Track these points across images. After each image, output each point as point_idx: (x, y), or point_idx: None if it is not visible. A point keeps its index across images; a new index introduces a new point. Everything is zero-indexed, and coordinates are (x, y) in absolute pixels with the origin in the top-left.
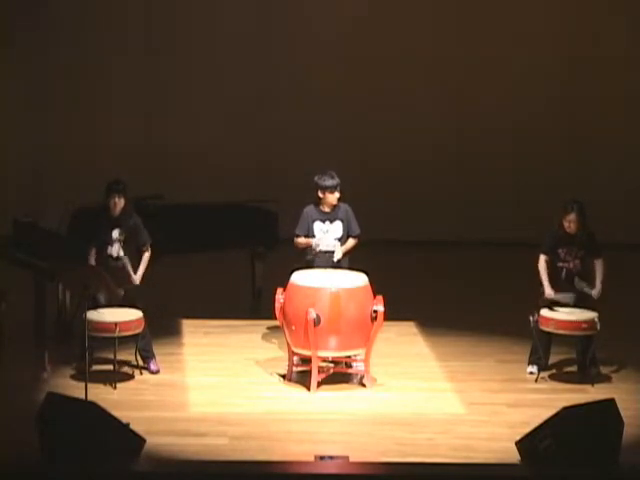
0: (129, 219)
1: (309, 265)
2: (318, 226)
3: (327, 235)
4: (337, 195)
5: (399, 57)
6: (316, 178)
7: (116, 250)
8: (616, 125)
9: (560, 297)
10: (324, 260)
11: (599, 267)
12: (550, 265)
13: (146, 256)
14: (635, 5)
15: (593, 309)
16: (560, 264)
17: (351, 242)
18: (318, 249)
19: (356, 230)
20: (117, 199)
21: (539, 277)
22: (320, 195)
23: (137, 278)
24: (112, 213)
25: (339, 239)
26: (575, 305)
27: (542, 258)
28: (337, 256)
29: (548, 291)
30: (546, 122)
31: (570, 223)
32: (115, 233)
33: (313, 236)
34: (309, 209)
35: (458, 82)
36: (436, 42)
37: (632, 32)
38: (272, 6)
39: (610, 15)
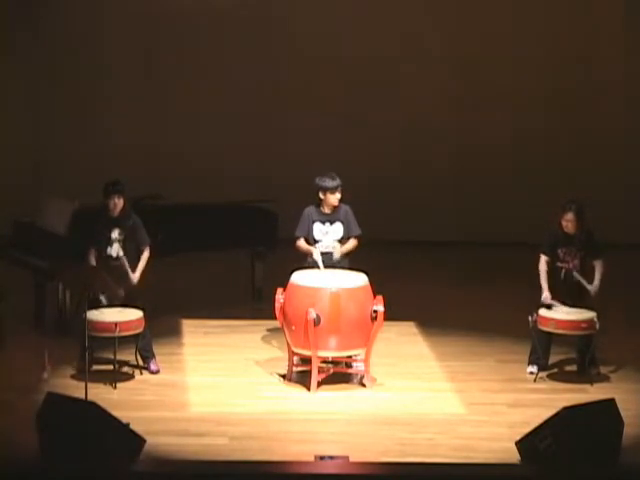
0: (128, 219)
1: (309, 266)
2: (318, 227)
3: (327, 236)
4: (338, 196)
5: (400, 58)
6: (317, 179)
7: (115, 250)
8: (616, 125)
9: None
10: (324, 261)
11: (598, 267)
12: (550, 265)
13: (145, 256)
14: (635, 5)
15: (591, 308)
16: (559, 264)
17: (351, 242)
18: (316, 257)
19: (356, 231)
20: (116, 200)
21: (539, 279)
22: (321, 196)
23: (135, 277)
24: (111, 213)
25: (339, 240)
26: (574, 305)
27: (543, 259)
28: (335, 255)
29: (545, 295)
30: (546, 122)
31: (568, 223)
32: (114, 233)
33: (313, 237)
34: (309, 210)
35: (459, 83)
36: (437, 43)
37: (632, 32)
38: (273, 6)
39: (610, 15)
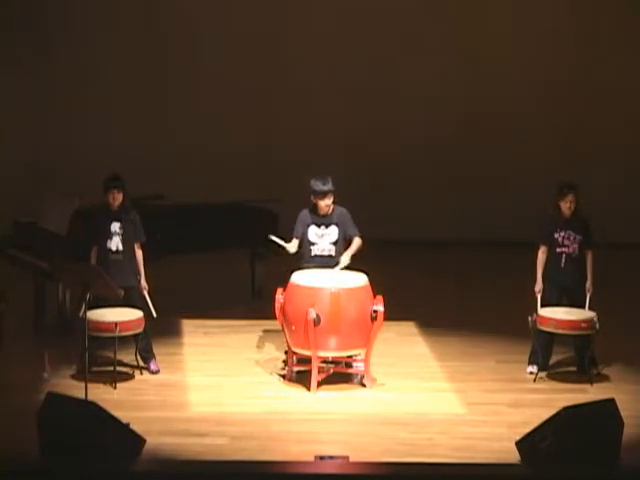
0: (129, 213)
1: (308, 266)
2: (313, 230)
3: (322, 239)
4: (328, 202)
5: (400, 57)
6: (311, 182)
7: (115, 244)
8: (616, 125)
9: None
10: (321, 264)
11: (590, 260)
12: (549, 253)
13: (140, 255)
14: (635, 4)
15: (589, 302)
16: (559, 249)
17: (356, 243)
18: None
19: (354, 232)
20: (116, 194)
21: (535, 270)
22: (313, 200)
23: (144, 282)
24: (111, 208)
25: (334, 243)
26: (572, 305)
27: (541, 250)
28: (344, 263)
29: (537, 287)
30: (546, 122)
31: (570, 204)
32: (114, 227)
33: (308, 240)
34: (304, 213)
35: (458, 83)
36: (436, 42)
37: (632, 31)
38: (274, 5)
39: (610, 14)
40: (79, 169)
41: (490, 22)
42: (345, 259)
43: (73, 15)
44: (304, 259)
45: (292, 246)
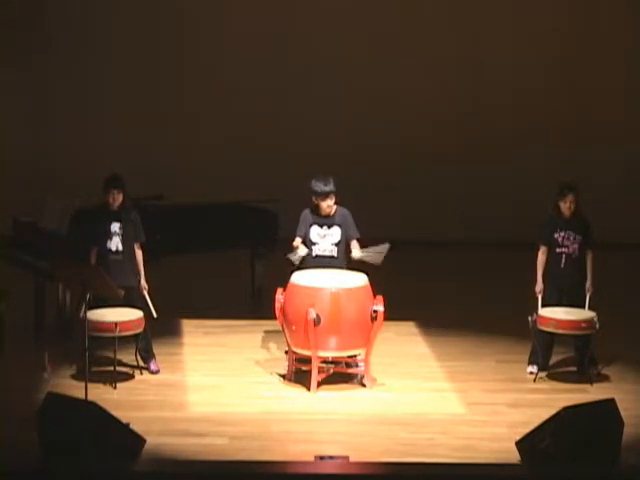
0: (129, 213)
1: (306, 265)
2: (315, 230)
3: (324, 240)
4: (329, 202)
5: (400, 57)
6: (312, 182)
7: (115, 244)
8: (617, 125)
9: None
10: (322, 264)
11: (590, 260)
12: (549, 253)
13: (139, 255)
14: (635, 4)
15: (589, 302)
16: (559, 249)
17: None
18: (300, 252)
19: (355, 235)
20: (116, 194)
21: (535, 271)
22: (314, 201)
23: (143, 282)
24: (111, 208)
25: (336, 244)
26: (572, 305)
27: (541, 250)
28: (355, 255)
29: (538, 288)
30: (546, 122)
31: (570, 204)
32: (114, 227)
33: (310, 240)
34: (306, 213)
35: (458, 83)
36: (436, 42)
37: (632, 31)
38: (275, 5)
39: (610, 14)
40: (79, 169)
41: (490, 22)
42: (363, 254)
43: (73, 15)
44: (305, 259)
45: (302, 249)
